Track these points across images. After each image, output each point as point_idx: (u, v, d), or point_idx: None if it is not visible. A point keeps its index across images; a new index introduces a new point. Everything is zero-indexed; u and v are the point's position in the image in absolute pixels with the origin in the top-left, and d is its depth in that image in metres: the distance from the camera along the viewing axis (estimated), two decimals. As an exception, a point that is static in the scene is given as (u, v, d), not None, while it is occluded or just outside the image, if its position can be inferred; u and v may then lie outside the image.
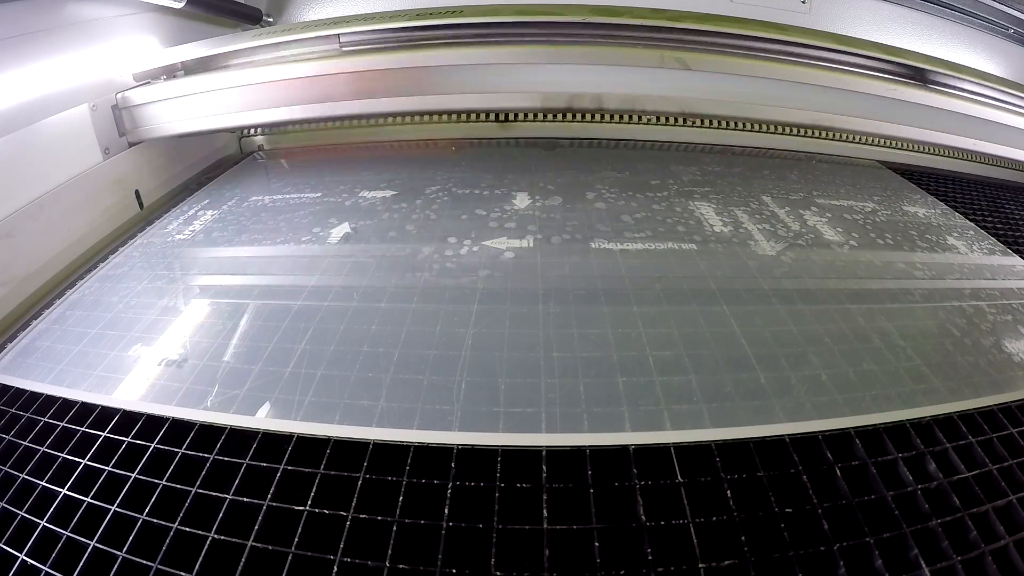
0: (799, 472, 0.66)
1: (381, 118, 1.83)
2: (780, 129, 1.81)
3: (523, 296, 0.98)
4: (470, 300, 0.98)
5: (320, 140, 1.89)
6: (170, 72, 1.45)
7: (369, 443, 0.70)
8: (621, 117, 1.80)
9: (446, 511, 0.62)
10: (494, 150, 1.80)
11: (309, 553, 0.59)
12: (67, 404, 0.81)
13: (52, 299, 1.10)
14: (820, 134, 1.82)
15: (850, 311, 0.96)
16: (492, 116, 1.84)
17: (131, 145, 1.43)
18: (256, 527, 0.61)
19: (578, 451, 0.68)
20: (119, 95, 1.39)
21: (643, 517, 0.61)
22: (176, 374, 0.83)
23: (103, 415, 0.78)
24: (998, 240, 1.29)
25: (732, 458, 0.67)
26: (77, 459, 0.72)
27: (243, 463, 0.68)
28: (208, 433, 0.73)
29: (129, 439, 0.74)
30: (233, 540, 0.60)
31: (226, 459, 0.69)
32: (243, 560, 0.58)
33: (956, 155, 1.82)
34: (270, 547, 0.59)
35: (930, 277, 1.09)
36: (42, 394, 0.84)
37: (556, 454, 0.68)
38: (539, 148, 1.80)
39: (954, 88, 1.39)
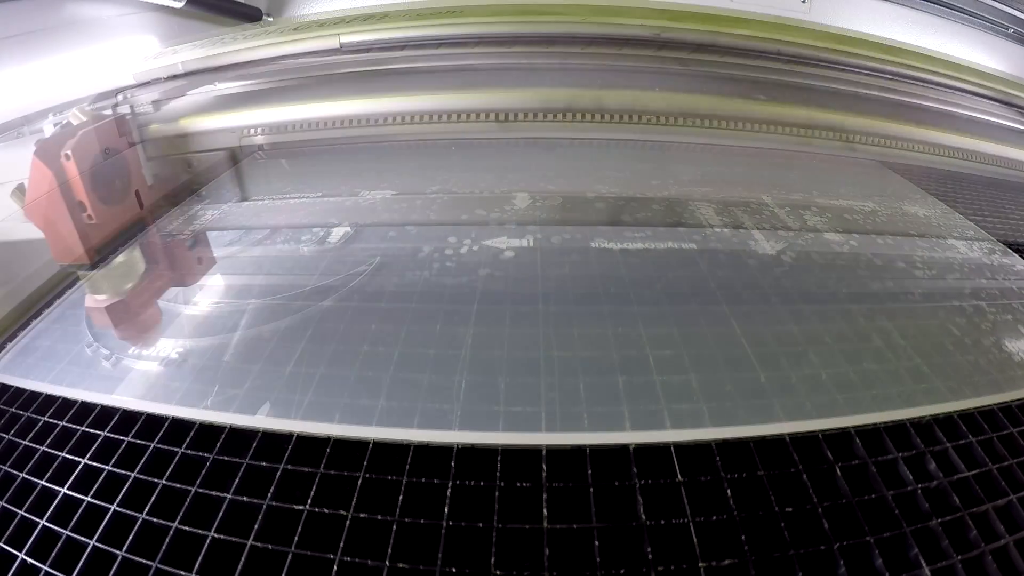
0: (799, 471, 0.66)
1: (381, 117, 1.83)
2: (780, 129, 1.81)
3: (523, 295, 0.98)
4: (470, 299, 0.98)
5: (320, 139, 1.89)
6: (170, 72, 1.45)
7: (369, 442, 0.70)
8: (621, 117, 1.80)
9: (446, 510, 0.62)
10: (494, 150, 1.80)
11: (309, 552, 0.58)
12: (67, 403, 0.81)
13: (52, 298, 1.10)
14: (820, 134, 1.82)
15: (850, 310, 0.96)
16: (492, 116, 1.84)
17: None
18: (256, 526, 0.61)
19: (578, 450, 0.68)
20: (119, 96, 1.39)
21: (643, 516, 0.61)
22: (176, 373, 0.83)
23: (103, 414, 0.78)
24: (998, 240, 1.29)
25: (732, 457, 0.67)
26: (77, 458, 0.72)
27: (243, 462, 0.68)
28: (208, 432, 0.73)
29: (129, 438, 0.73)
30: (233, 539, 0.60)
31: (226, 458, 0.69)
32: (243, 559, 0.58)
33: (956, 155, 1.82)
34: (270, 546, 0.59)
35: (930, 276, 1.09)
36: (42, 393, 0.83)
37: (556, 453, 0.68)
38: (539, 148, 1.80)
39: (962, 89, 1.38)
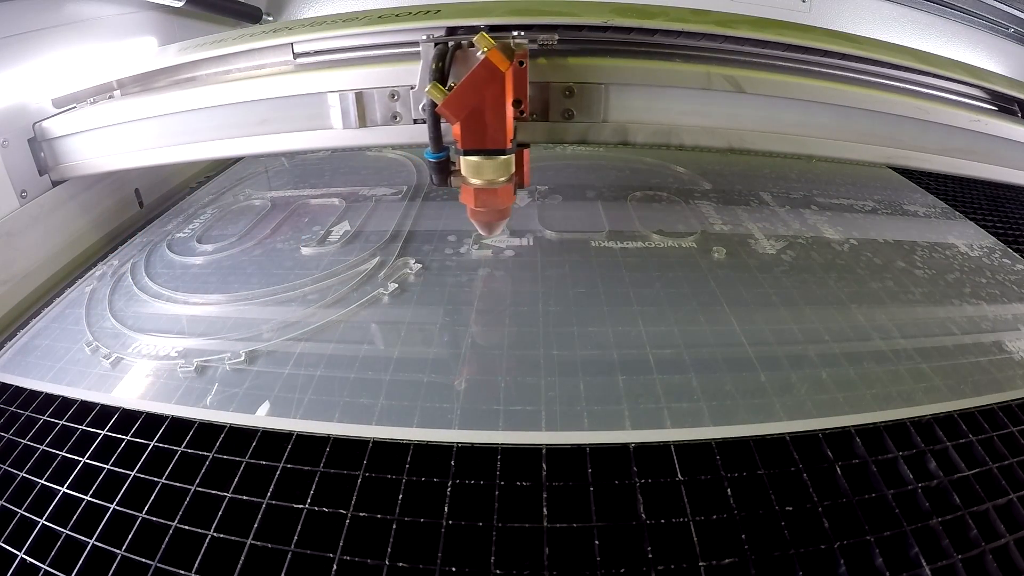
0: (799, 470, 0.66)
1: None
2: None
3: (523, 294, 0.98)
4: (470, 298, 0.98)
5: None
6: (103, 92, 1.17)
7: (369, 441, 0.70)
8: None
9: (446, 509, 0.62)
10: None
11: (308, 551, 0.58)
12: (66, 402, 0.81)
13: (52, 297, 1.10)
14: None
15: (850, 309, 0.96)
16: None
17: (54, 184, 1.17)
18: (255, 525, 0.61)
19: (578, 449, 0.68)
20: (36, 125, 1.13)
21: (643, 515, 0.61)
22: (175, 372, 0.83)
23: (102, 413, 0.78)
24: (998, 239, 1.29)
25: (732, 456, 0.67)
26: (76, 457, 0.72)
27: (242, 461, 0.68)
28: (207, 431, 0.73)
29: (128, 437, 0.74)
30: (232, 538, 0.60)
31: (225, 457, 0.69)
32: (242, 558, 0.58)
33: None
34: (269, 545, 0.59)
35: (930, 276, 1.09)
36: (41, 392, 0.83)
37: (556, 452, 0.68)
38: (539, 147, 1.80)
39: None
